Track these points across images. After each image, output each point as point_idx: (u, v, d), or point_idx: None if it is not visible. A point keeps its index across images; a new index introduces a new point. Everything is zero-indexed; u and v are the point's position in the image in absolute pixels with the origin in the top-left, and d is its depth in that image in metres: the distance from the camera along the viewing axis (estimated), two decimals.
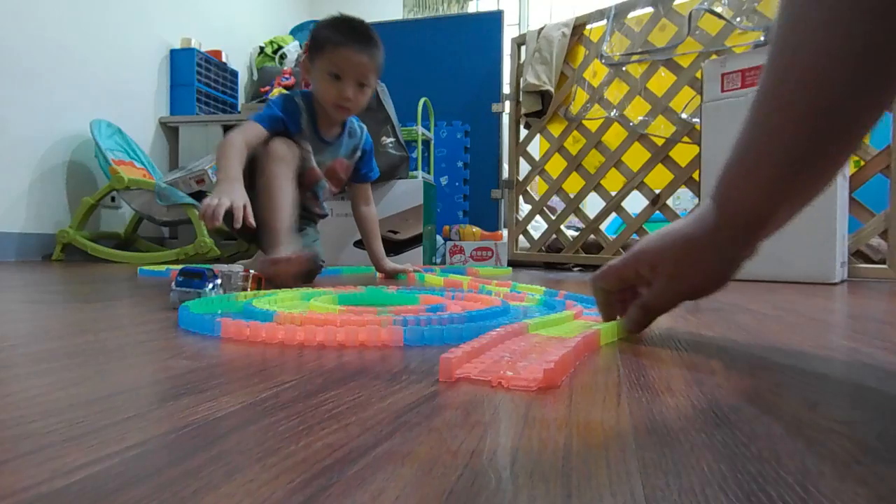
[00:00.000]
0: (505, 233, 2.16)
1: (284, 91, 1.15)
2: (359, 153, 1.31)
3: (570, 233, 2.11)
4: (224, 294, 0.72)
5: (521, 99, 2.18)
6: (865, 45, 0.28)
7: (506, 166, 2.37)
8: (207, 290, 0.73)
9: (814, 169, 0.32)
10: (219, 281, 0.76)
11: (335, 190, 1.31)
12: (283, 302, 0.70)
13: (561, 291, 0.76)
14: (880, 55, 0.28)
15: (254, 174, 1.09)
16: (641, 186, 1.86)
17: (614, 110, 1.92)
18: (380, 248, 1.39)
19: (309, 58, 1.15)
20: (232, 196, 0.90)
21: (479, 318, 0.55)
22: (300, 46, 2.83)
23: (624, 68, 1.89)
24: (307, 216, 1.30)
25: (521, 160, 2.24)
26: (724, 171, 0.37)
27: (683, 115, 1.76)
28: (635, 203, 1.86)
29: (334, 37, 1.11)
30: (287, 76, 2.54)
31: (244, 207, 0.91)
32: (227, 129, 2.31)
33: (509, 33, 2.53)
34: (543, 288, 0.82)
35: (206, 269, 0.74)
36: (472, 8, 3.98)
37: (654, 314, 0.48)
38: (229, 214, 0.88)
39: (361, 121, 1.32)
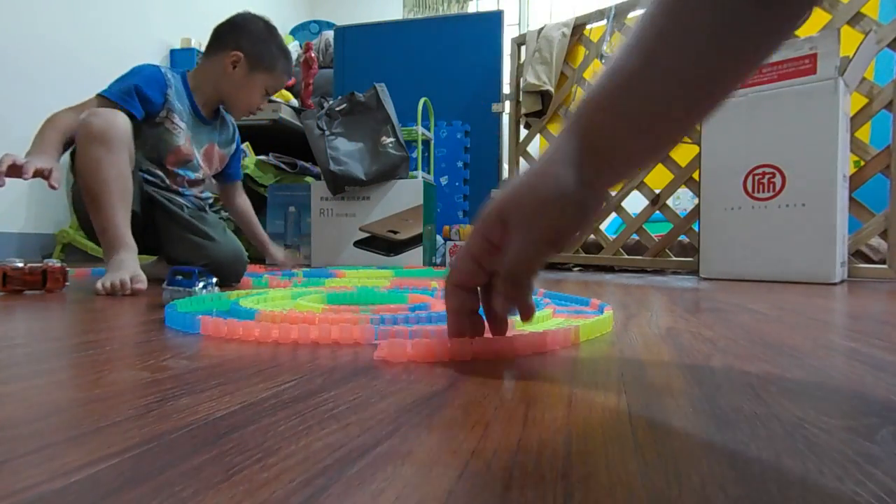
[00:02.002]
0: None
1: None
2: (233, 147, 1.30)
3: None
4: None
5: (521, 99, 2.18)
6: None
7: (506, 166, 2.36)
8: (198, 288, 0.73)
9: (680, 115, 0.34)
10: (213, 280, 0.77)
11: (208, 172, 1.23)
12: (272, 301, 0.71)
13: (540, 290, 0.81)
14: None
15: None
16: (641, 186, 1.86)
17: None
18: (263, 234, 1.41)
19: (249, 62, 1.15)
20: (30, 159, 0.81)
21: None
22: (300, 47, 2.82)
23: None
24: (194, 201, 1.19)
25: (521, 160, 2.24)
26: (590, 99, 0.36)
27: None
28: (635, 203, 1.86)
29: (283, 64, 1.19)
30: None
31: (47, 171, 0.82)
32: None
33: (509, 33, 2.53)
34: None
35: (196, 268, 0.74)
36: (472, 8, 3.98)
37: (522, 278, 0.39)
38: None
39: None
